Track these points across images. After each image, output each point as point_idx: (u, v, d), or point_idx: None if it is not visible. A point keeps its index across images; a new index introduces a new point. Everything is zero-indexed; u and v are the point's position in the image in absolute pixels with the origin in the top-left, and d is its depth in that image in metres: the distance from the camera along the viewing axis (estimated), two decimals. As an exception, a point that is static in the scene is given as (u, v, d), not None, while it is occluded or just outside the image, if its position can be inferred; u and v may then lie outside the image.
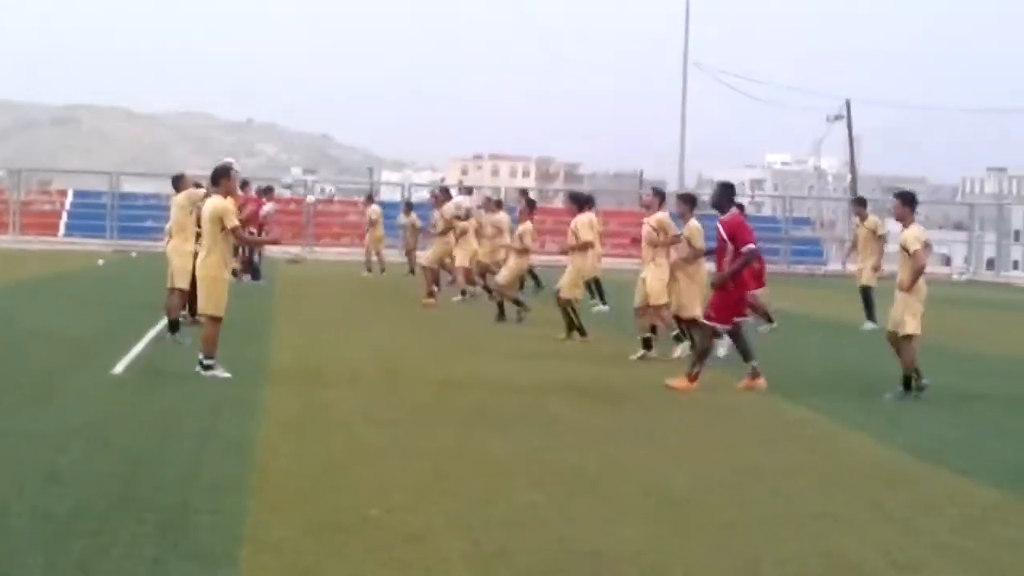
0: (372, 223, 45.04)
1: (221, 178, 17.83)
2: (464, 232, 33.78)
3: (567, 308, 23.76)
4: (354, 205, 74.21)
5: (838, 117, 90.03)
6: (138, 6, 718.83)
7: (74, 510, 9.66)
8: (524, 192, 43.57)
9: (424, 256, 36.31)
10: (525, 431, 14.23)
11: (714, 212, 18.79)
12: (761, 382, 17.77)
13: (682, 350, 21.13)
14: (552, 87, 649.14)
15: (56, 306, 28.78)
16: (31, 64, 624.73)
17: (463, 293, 33.87)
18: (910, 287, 17.81)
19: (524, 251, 27.48)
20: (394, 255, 47.81)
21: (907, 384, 17.60)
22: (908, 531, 10.20)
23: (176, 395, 15.76)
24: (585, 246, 23.69)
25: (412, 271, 42.78)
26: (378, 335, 24.44)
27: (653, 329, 21.61)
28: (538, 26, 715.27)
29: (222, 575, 8.16)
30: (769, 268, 21.02)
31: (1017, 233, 79.22)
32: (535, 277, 35.80)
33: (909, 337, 17.76)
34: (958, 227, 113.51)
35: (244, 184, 44.83)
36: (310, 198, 68.31)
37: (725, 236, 17.95)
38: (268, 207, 40.01)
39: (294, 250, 46.25)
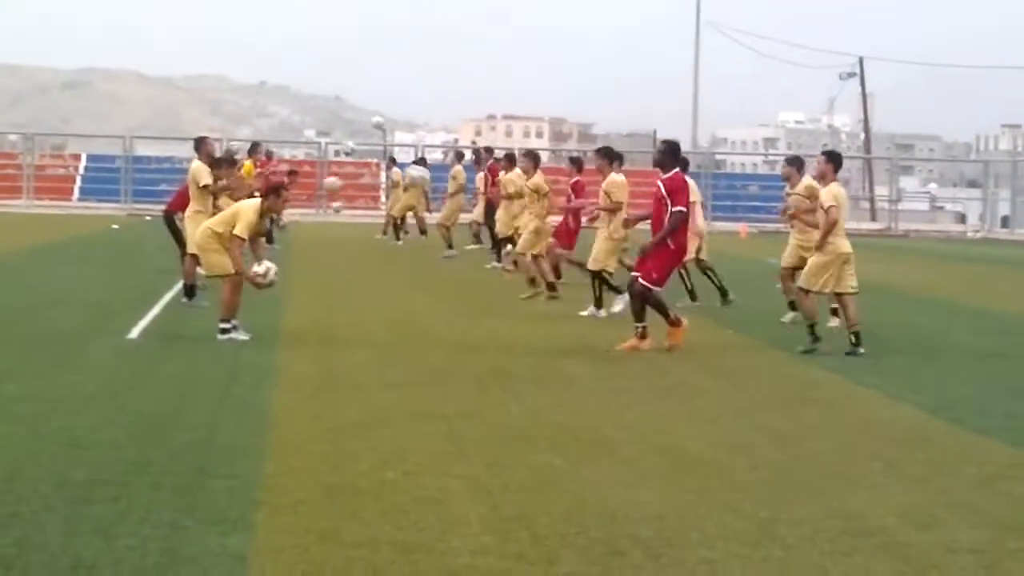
0: (395, 185, 43.52)
1: (252, 153, 18.00)
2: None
3: (598, 278, 22.25)
4: (367, 167, 74.21)
5: (851, 75, 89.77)
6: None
7: (91, 476, 9.69)
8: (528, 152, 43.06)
9: (441, 216, 36.22)
10: (541, 393, 14.24)
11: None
12: (648, 343, 17.82)
13: (623, 304, 21.15)
14: (565, 47, 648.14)
15: (71, 271, 28.80)
16: (41, 28, 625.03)
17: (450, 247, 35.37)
18: (821, 245, 17.84)
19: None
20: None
21: (851, 341, 17.76)
22: (924, 490, 10.19)
23: (191, 360, 15.79)
24: (617, 208, 23.04)
25: (423, 232, 42.59)
26: (392, 298, 24.45)
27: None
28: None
29: (239, 539, 8.17)
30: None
31: (1032, 190, 78.79)
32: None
33: (804, 290, 18.09)
34: (972, 184, 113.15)
35: (268, 154, 45.25)
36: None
37: (664, 194, 17.94)
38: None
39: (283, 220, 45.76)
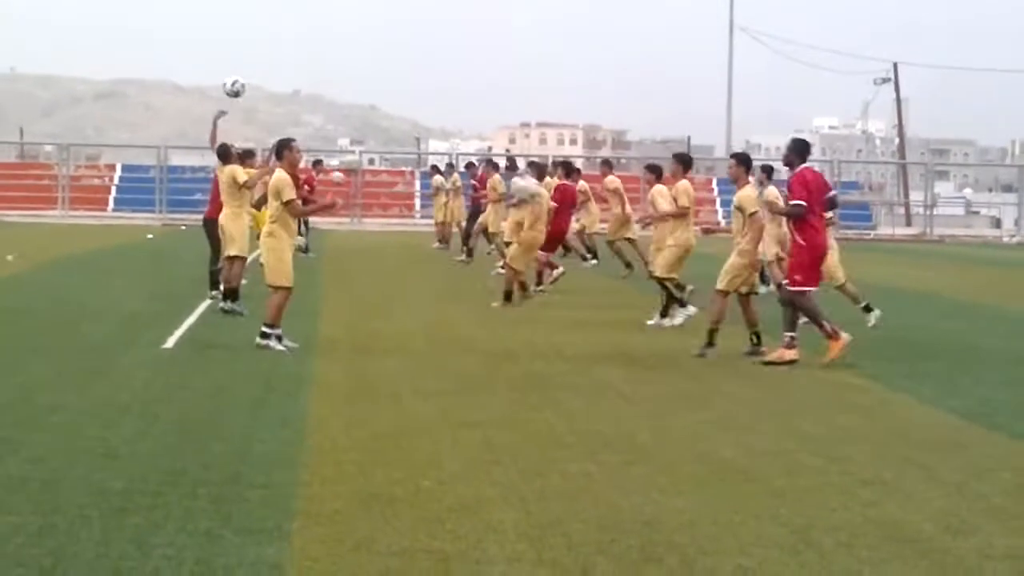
0: (436, 193, 43.76)
1: (284, 151, 17.91)
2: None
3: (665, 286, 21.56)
4: (401, 175, 74.35)
5: (885, 80, 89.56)
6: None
7: (127, 485, 9.71)
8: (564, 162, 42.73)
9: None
10: (576, 400, 14.24)
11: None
12: (793, 353, 17.54)
13: (684, 318, 21.21)
14: (598, 55, 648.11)
15: (106, 281, 28.90)
16: (75, 39, 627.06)
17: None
18: (754, 250, 18.13)
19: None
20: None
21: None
22: (961, 496, 10.16)
23: (227, 369, 15.83)
24: (684, 214, 22.60)
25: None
26: (426, 305, 24.45)
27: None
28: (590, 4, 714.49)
29: (274, 548, 8.18)
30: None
31: (1068, 194, 78.42)
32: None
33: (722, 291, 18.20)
34: (1007, 189, 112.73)
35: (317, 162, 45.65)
36: (337, 174, 67.23)
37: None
38: (337, 175, 41.17)
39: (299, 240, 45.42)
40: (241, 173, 21.93)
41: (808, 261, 17.68)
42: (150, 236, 47.54)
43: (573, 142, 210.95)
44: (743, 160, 19.20)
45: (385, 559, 8.02)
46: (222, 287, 21.84)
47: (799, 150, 18.48)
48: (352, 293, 26.37)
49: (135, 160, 78.44)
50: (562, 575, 7.85)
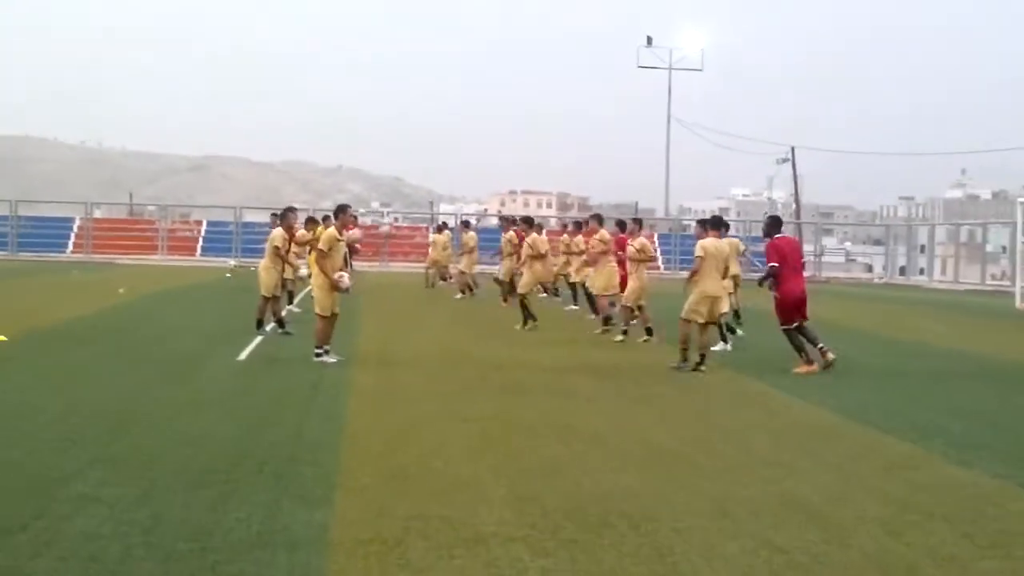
0: (470, 249, 37.68)
1: (339, 213, 18.16)
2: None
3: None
4: (419, 230, 74.36)
5: (785, 160, 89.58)
6: (252, 77, 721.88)
7: (208, 464, 9.69)
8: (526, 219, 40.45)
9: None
10: (550, 400, 14.22)
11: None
12: (814, 368, 17.70)
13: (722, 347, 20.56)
14: (569, 138, 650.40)
15: (194, 308, 28.91)
16: (172, 123, 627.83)
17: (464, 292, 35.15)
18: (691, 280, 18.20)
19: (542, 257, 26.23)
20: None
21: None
22: (841, 475, 10.14)
23: (286, 376, 15.80)
24: (652, 259, 22.49)
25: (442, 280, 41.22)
26: (437, 330, 24.44)
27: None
28: (562, 98, 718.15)
29: (322, 513, 8.16)
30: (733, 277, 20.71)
31: (922, 247, 78.80)
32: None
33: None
34: (877, 243, 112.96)
35: (354, 218, 44.72)
36: (384, 227, 67.60)
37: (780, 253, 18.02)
38: (355, 232, 39.99)
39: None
40: (278, 239, 22.18)
41: (783, 307, 17.85)
42: (228, 275, 47.45)
43: (548, 205, 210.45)
44: (702, 222, 19.41)
45: (404, 522, 8.00)
46: (275, 318, 21.93)
47: (775, 224, 18.68)
48: (382, 320, 26.33)
49: (217, 217, 78.41)
50: (538, 534, 7.82)
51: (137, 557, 7.08)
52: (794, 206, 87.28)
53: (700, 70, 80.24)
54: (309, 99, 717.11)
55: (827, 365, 17.71)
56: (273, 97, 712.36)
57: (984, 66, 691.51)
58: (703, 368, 17.51)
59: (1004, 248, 74.60)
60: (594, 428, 12.23)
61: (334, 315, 17.53)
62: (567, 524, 8.09)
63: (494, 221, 46.33)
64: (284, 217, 22.65)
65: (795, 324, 18.01)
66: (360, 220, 62.52)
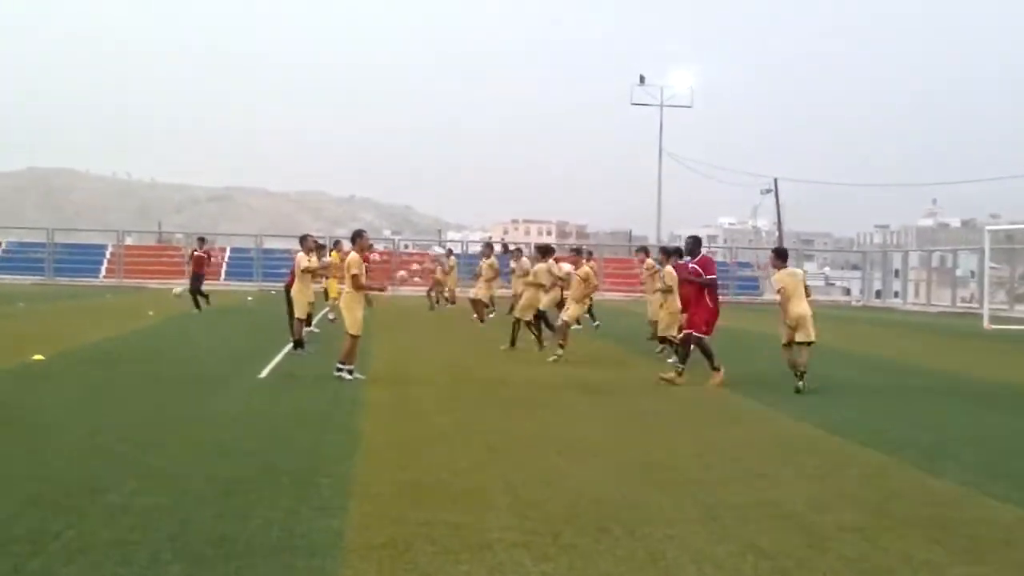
0: (492, 274, 35.57)
1: (357, 239, 18.14)
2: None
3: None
4: (427, 256, 74.49)
5: (769, 190, 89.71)
6: (273, 113, 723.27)
7: (233, 474, 9.71)
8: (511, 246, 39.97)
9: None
10: (551, 415, 14.23)
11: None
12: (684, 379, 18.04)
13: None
14: (570, 169, 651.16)
15: (218, 329, 28.90)
16: (196, 156, 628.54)
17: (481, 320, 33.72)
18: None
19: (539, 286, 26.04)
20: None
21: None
22: (822, 485, 10.15)
23: (305, 393, 15.81)
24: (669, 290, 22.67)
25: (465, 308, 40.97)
26: (446, 350, 24.44)
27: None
28: (563, 134, 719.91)
29: (338, 520, 8.17)
30: (720, 299, 20.63)
31: (897, 272, 78.77)
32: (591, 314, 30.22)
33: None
34: (854, 268, 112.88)
35: (370, 246, 44.44)
36: (402, 273, 65.89)
37: (699, 269, 18.38)
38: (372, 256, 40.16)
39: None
40: (304, 261, 22.29)
41: (710, 318, 18.16)
42: (250, 299, 47.56)
43: (549, 233, 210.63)
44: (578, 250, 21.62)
45: (414, 528, 8.01)
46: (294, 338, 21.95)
47: (698, 243, 19.00)
48: (394, 341, 26.34)
49: (240, 244, 78.59)
50: (540, 539, 7.83)
51: (164, 561, 7.10)
52: (777, 233, 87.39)
53: (689, 106, 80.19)
54: (322, 134, 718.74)
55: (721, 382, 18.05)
56: (289, 132, 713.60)
57: (953, 103, 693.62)
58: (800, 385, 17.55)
59: (972, 273, 74.66)
60: (592, 441, 12.24)
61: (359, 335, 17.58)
62: (567, 530, 8.10)
63: (497, 248, 45.98)
64: (355, 240, 21.13)
65: (706, 336, 18.49)
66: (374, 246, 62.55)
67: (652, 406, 15.60)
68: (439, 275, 42.94)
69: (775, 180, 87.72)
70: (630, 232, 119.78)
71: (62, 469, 9.91)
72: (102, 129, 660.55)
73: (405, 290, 63.19)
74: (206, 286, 37.14)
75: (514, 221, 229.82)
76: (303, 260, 22.42)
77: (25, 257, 68.53)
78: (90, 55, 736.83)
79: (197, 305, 35.72)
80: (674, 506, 9.03)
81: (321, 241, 29.36)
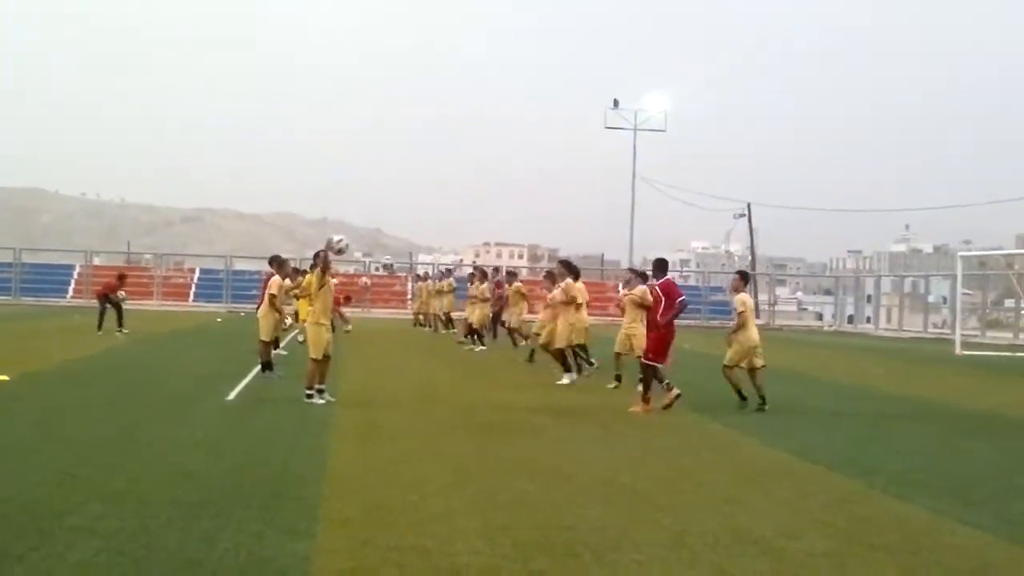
0: (484, 300, 34.24)
1: (318, 260, 18.00)
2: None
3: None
4: (398, 279, 74.50)
5: (742, 215, 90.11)
6: (242, 133, 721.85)
7: (200, 497, 9.67)
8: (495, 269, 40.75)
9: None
10: (520, 439, 14.23)
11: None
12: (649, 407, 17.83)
13: (568, 379, 22.17)
14: (541, 193, 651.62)
15: (186, 351, 28.80)
16: (168, 177, 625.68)
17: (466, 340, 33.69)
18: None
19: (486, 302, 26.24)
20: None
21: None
22: (791, 510, 10.19)
23: (273, 415, 15.77)
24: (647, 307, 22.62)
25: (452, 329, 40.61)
26: (415, 371, 24.42)
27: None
28: (535, 158, 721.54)
29: (305, 544, 8.15)
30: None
31: (869, 297, 79.20)
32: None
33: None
34: (827, 292, 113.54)
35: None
36: (364, 280, 67.70)
37: (659, 294, 18.19)
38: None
39: (219, 319, 43.70)
40: (273, 287, 21.61)
41: (668, 342, 18.05)
42: (219, 320, 47.41)
43: (520, 256, 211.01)
44: (568, 267, 22.80)
45: (384, 552, 8.01)
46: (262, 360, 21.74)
47: (663, 266, 18.99)
48: (363, 362, 26.30)
49: (209, 265, 78.34)
50: (509, 564, 7.84)
51: (132, 585, 7.07)
52: (750, 258, 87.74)
53: (663, 131, 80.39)
54: (294, 153, 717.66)
55: (670, 403, 17.84)
56: (260, 151, 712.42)
57: (926, 128, 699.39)
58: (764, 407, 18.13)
59: (944, 299, 75.26)
60: (561, 465, 12.25)
61: (326, 357, 17.46)
62: (536, 555, 8.11)
63: (468, 271, 46.15)
64: (281, 266, 22.25)
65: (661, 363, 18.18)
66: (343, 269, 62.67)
67: (622, 431, 15.63)
68: (423, 297, 43.67)
69: (748, 205, 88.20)
70: (602, 256, 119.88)
71: (26, 491, 9.85)
72: (71, 149, 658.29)
73: (377, 312, 63.16)
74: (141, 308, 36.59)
75: (485, 244, 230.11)
76: (275, 285, 22.00)
77: (-9, 277, 68.10)
78: (58, 73, 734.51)
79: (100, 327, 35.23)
80: (643, 531, 9.05)
81: (293, 264, 29.22)
